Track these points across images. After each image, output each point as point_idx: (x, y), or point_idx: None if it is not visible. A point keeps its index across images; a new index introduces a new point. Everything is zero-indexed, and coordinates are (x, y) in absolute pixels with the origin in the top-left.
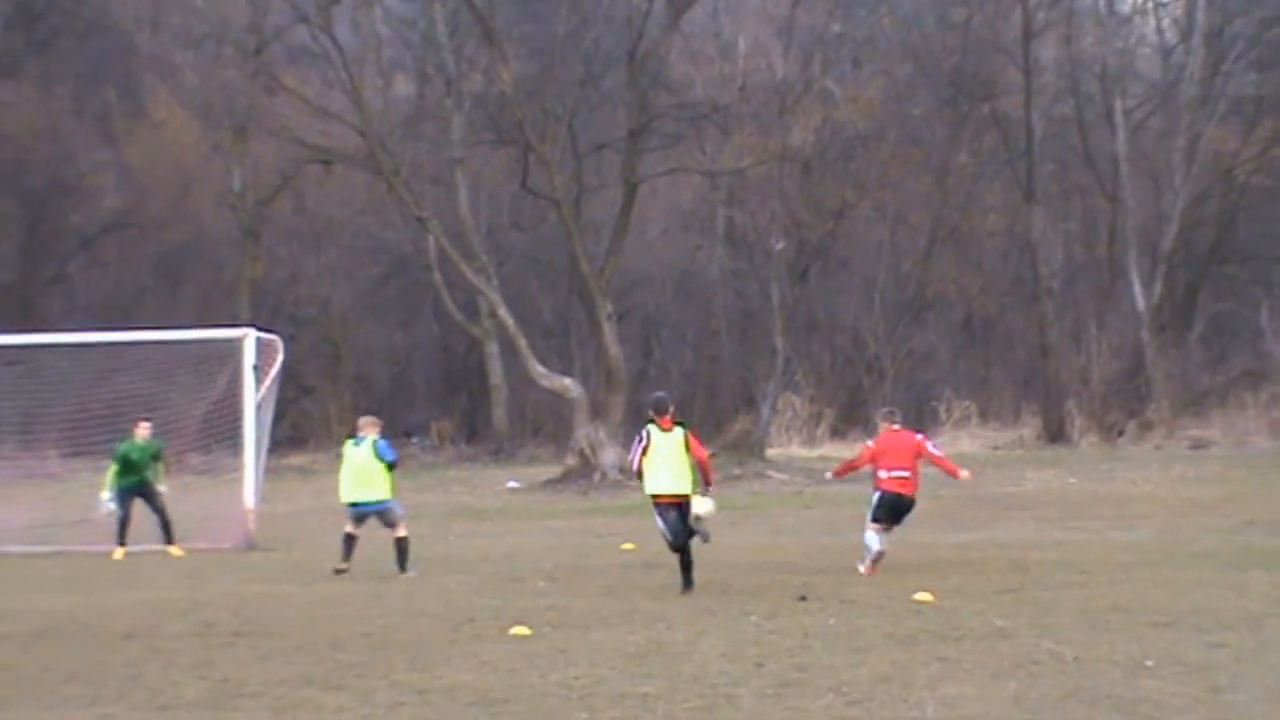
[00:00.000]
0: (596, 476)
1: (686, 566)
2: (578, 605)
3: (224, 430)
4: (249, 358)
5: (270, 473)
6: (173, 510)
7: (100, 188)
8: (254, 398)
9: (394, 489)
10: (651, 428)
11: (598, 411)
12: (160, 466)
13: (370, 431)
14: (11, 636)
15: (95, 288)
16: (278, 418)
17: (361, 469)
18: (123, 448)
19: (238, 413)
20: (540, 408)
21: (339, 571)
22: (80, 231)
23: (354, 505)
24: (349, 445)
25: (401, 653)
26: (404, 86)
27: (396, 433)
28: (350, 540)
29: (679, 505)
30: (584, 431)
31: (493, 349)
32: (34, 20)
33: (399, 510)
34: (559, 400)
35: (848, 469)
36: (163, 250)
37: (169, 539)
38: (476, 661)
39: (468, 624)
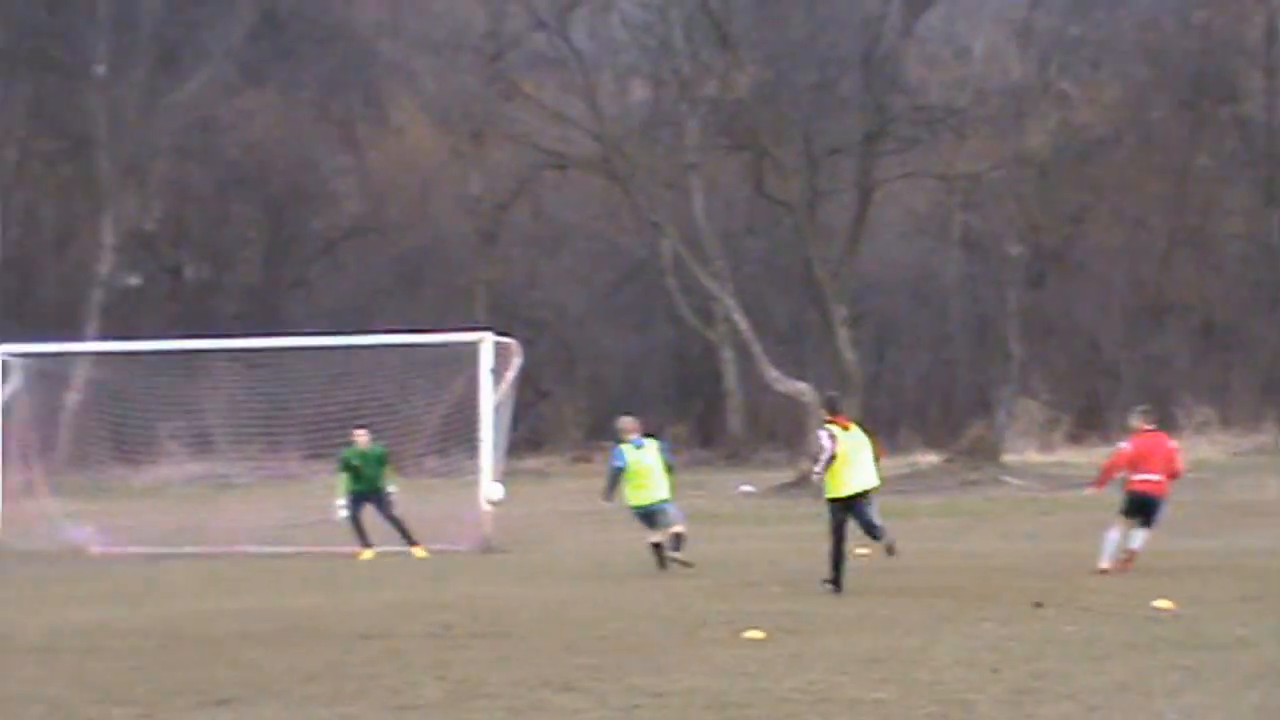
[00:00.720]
0: None
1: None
2: (812, 610)
3: (461, 433)
4: (486, 361)
5: (506, 475)
6: (410, 512)
7: (341, 193)
8: (491, 401)
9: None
10: (834, 427)
11: None
12: (386, 470)
13: (636, 433)
14: (256, 635)
15: (336, 291)
16: (514, 421)
17: (649, 470)
18: (346, 454)
19: (475, 416)
20: (774, 412)
21: (681, 564)
22: (321, 236)
23: (645, 507)
24: (628, 449)
25: (636, 656)
26: (640, 91)
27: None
28: (659, 547)
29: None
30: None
31: (727, 354)
32: (278, 28)
33: (680, 511)
34: (793, 405)
35: (1106, 477)
36: (402, 254)
37: (410, 541)
38: (711, 665)
39: (702, 628)
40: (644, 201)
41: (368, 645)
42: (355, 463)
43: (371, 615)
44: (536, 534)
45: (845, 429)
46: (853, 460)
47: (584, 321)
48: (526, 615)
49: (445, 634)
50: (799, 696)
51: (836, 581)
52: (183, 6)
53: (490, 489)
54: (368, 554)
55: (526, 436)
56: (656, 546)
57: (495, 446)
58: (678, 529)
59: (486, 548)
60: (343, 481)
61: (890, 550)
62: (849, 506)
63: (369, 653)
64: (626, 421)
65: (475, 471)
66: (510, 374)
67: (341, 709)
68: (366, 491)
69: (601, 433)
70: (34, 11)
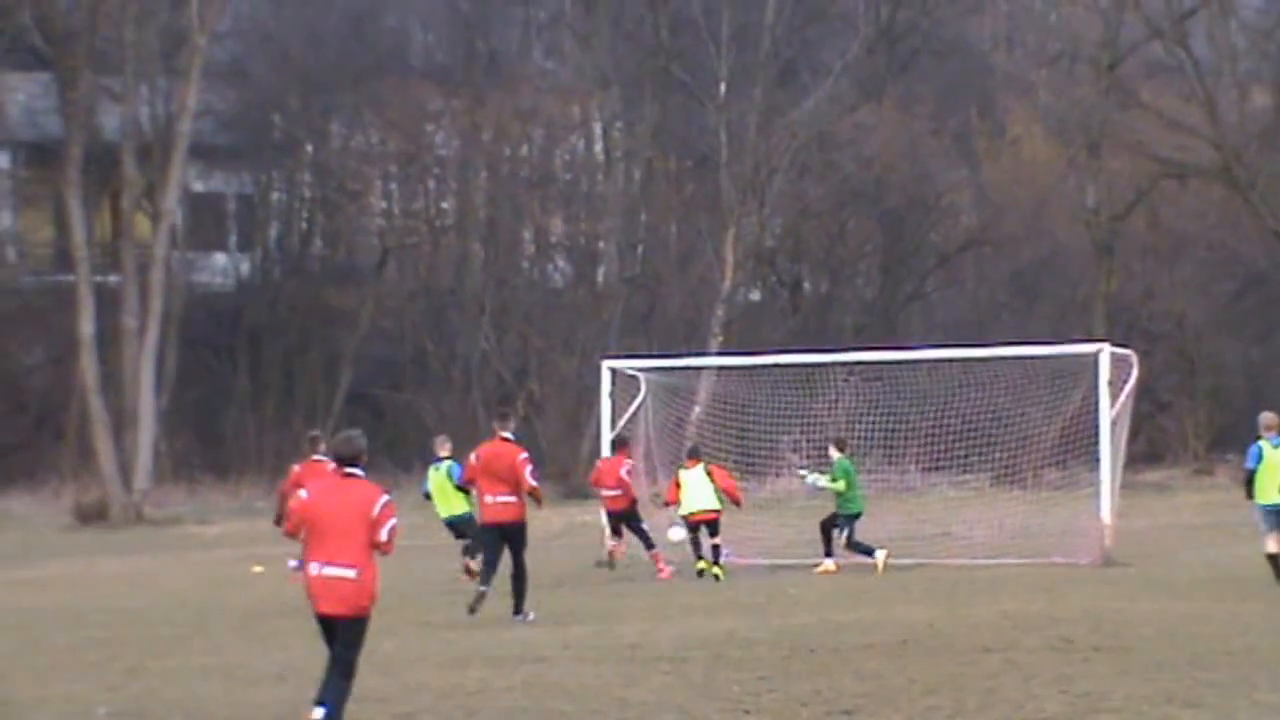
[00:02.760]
0: None
1: None
2: None
3: (1080, 446)
4: (1104, 373)
5: (1126, 488)
6: (1030, 524)
7: (957, 206)
8: (1109, 413)
9: None
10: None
11: None
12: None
13: (1275, 430)
14: (878, 646)
15: (952, 305)
16: (1133, 433)
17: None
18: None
19: (1093, 428)
20: None
21: None
22: (938, 249)
23: (1268, 506)
24: (1266, 445)
25: (1264, 671)
26: (1260, 98)
27: None
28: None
29: None
30: None
31: None
32: (894, 42)
33: None
34: None
35: None
36: (1018, 267)
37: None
38: None
39: None
40: (1265, 209)
41: (988, 658)
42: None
43: (991, 627)
44: (1157, 547)
45: None
46: None
47: (1203, 332)
48: (1149, 629)
49: (1066, 647)
50: None
51: None
52: (802, 24)
53: (672, 532)
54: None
55: (1145, 449)
56: (1272, 558)
57: (1114, 459)
58: None
59: (1108, 561)
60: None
61: None
62: None
63: (990, 666)
64: (1268, 417)
65: (1095, 484)
66: (1128, 385)
67: None
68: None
69: (1225, 444)
70: (659, 33)
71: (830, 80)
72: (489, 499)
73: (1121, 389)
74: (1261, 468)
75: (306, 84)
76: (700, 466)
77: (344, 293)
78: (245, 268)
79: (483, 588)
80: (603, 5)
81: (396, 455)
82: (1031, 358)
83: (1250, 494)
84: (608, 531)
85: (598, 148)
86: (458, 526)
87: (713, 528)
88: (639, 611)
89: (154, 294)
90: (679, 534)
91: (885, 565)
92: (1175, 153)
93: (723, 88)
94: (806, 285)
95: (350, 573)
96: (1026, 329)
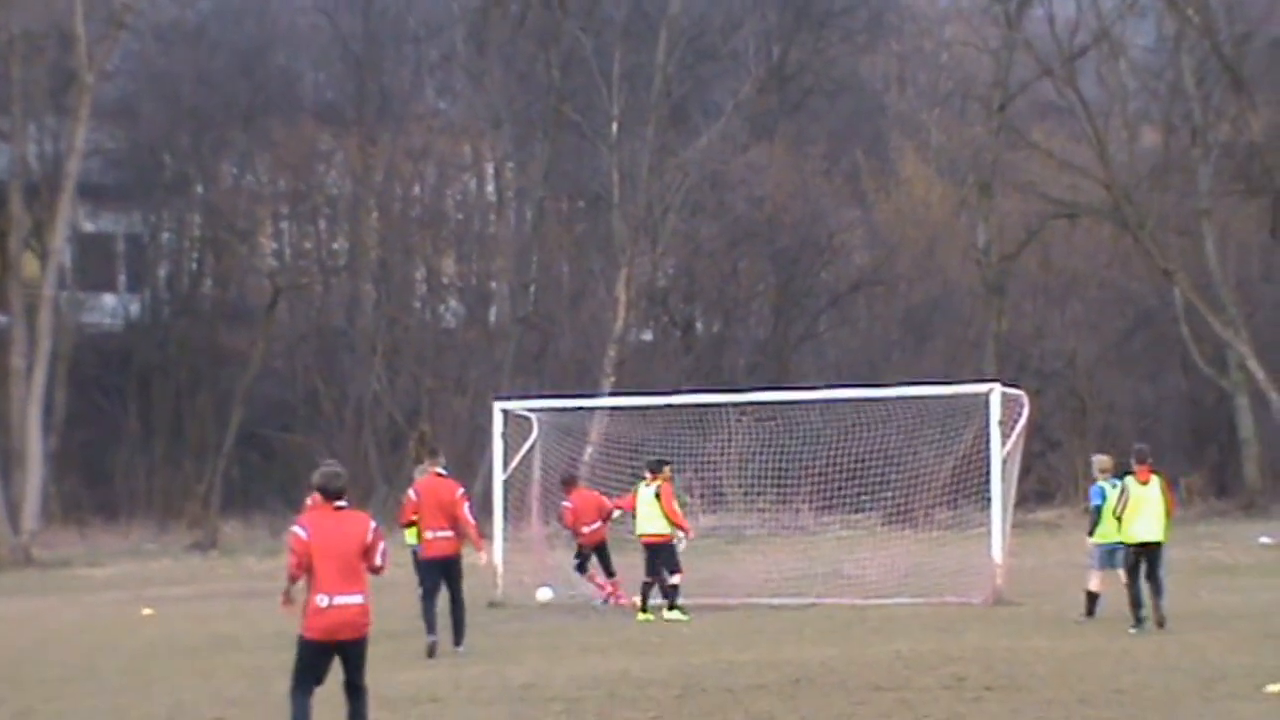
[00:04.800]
0: None
1: None
2: None
3: (971, 485)
4: (995, 412)
5: (1017, 527)
6: (922, 564)
7: (850, 245)
8: (1000, 452)
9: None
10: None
11: None
12: None
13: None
14: (771, 685)
15: (845, 344)
16: (1024, 472)
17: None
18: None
19: (984, 467)
20: None
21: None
22: (830, 289)
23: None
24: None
25: (1153, 710)
26: (1150, 138)
27: None
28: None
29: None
30: None
31: (1242, 401)
32: (787, 81)
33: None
34: None
35: None
36: (910, 306)
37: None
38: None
39: (1220, 681)
40: (1155, 249)
41: (881, 697)
42: None
43: (884, 666)
44: (1049, 585)
45: (1144, 483)
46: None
47: (1094, 370)
48: (1041, 667)
49: (959, 685)
50: None
51: None
52: (694, 63)
53: (540, 592)
54: None
55: (1036, 487)
56: (1092, 596)
57: (1005, 498)
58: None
59: (1000, 600)
60: None
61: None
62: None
63: (883, 705)
64: (1102, 460)
65: (986, 523)
66: (1019, 424)
67: None
68: None
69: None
70: (551, 73)
71: (722, 120)
72: (429, 535)
73: (1013, 428)
74: (1105, 507)
75: (196, 123)
76: (655, 485)
77: (235, 333)
78: (135, 308)
79: (433, 637)
80: (494, 45)
81: (289, 496)
82: (923, 397)
83: (1092, 532)
84: (590, 573)
85: (490, 187)
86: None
87: (661, 556)
88: (533, 651)
89: (42, 334)
90: (546, 594)
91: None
92: (1066, 192)
93: (614, 127)
94: (699, 325)
95: (358, 598)
96: (919, 368)
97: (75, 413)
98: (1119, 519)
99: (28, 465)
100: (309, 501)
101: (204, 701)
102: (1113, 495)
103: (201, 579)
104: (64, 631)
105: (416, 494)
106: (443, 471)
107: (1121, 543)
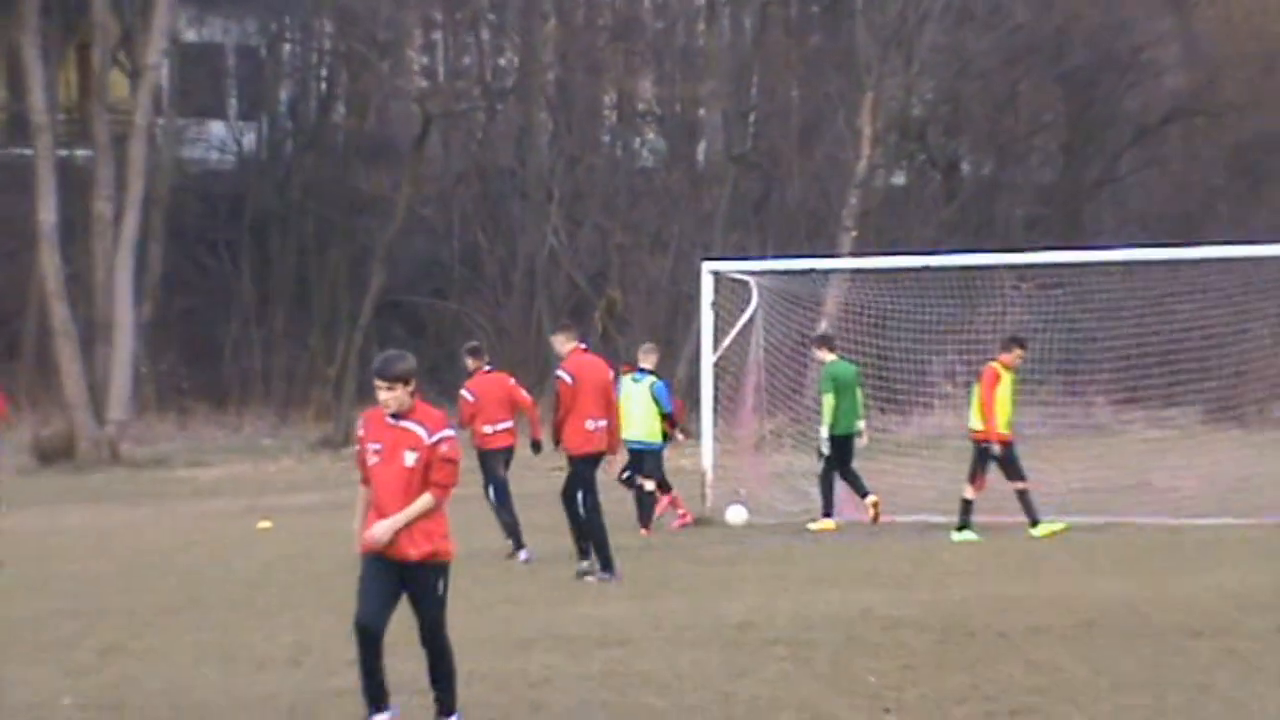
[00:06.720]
0: None
1: None
2: None
3: None
4: None
5: None
6: (1256, 473)
7: (1161, 64)
8: None
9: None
10: None
11: None
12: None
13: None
14: (1055, 629)
15: (1153, 191)
16: None
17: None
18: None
19: None
20: None
21: None
22: (1135, 120)
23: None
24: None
25: None
26: None
27: None
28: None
29: None
30: None
31: None
32: None
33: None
34: None
35: None
36: (1238, 143)
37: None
38: None
39: None
40: None
41: (1199, 645)
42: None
43: (1203, 606)
44: None
45: None
46: None
47: None
48: None
49: None
50: None
51: None
52: None
53: (731, 512)
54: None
55: None
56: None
57: None
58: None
59: None
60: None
61: None
62: None
63: (1201, 655)
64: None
65: None
66: None
67: None
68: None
69: None
70: None
71: None
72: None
73: None
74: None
75: None
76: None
77: (375, 173)
78: (249, 140)
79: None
80: None
81: (440, 378)
82: (1257, 259)
83: None
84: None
85: None
86: (639, 454)
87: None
88: (749, 582)
89: (133, 173)
90: (740, 514)
91: (879, 513)
92: None
93: None
94: (965, 166)
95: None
96: (1250, 221)
97: (174, 273)
98: None
99: (115, 339)
100: (465, 394)
101: (335, 640)
102: None
103: (331, 484)
104: (160, 549)
105: (474, 394)
106: (488, 368)
107: None
